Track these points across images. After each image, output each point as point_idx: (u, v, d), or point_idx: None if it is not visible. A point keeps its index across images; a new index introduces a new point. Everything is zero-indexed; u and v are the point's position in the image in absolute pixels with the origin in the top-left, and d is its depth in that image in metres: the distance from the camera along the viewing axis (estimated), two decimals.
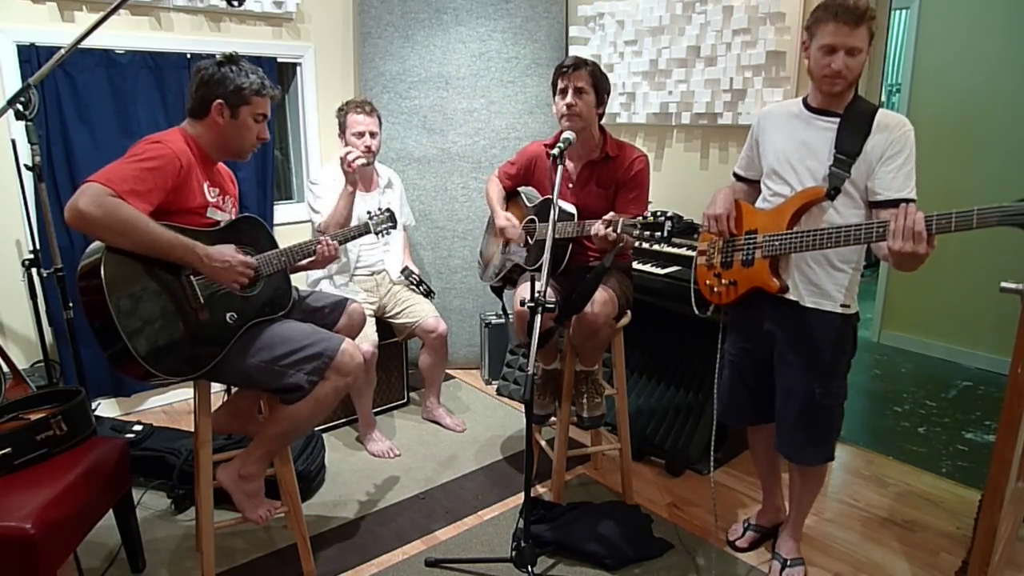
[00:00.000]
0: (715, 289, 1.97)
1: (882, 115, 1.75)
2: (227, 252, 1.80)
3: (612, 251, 2.03)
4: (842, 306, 1.83)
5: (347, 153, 2.47)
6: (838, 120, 1.78)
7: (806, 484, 2.06)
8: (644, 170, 2.27)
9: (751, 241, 1.88)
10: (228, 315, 1.83)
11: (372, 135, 2.85)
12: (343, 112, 2.86)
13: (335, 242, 2.13)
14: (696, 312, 2.05)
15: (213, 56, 1.88)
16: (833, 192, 1.75)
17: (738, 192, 2.03)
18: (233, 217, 2.00)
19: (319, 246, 2.09)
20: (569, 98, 2.16)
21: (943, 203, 1.51)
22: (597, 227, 2.00)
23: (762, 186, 1.96)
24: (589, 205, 2.28)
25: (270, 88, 1.92)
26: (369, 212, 2.32)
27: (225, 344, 1.82)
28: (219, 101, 1.85)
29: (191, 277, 1.77)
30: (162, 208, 1.73)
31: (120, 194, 1.62)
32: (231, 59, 1.87)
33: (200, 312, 1.78)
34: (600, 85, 2.20)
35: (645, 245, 2.75)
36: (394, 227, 2.35)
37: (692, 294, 2.05)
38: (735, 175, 2.11)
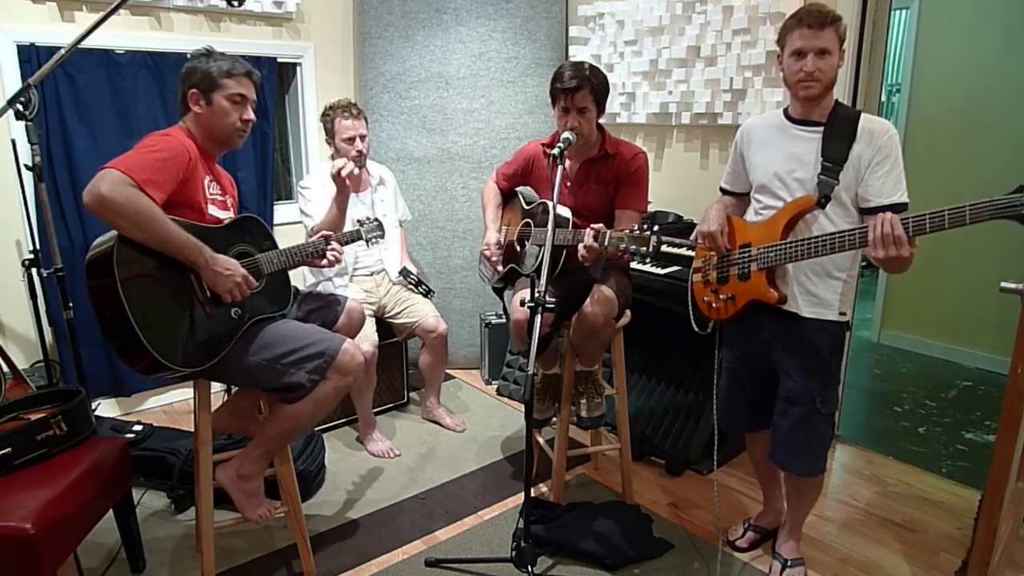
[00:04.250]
0: (713, 305, 1.97)
1: (865, 120, 1.76)
2: (233, 261, 1.82)
3: (597, 262, 2.01)
4: (840, 314, 1.84)
5: (339, 169, 2.35)
6: (821, 129, 1.79)
7: (802, 494, 2.06)
8: (644, 166, 2.27)
9: (745, 255, 1.88)
10: (233, 310, 1.84)
11: (361, 138, 2.83)
12: (329, 118, 2.84)
13: (339, 244, 2.16)
14: (696, 330, 2.04)
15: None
16: (824, 200, 1.75)
17: (728, 206, 2.03)
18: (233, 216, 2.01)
19: (330, 254, 2.11)
20: (572, 120, 2.13)
21: (943, 203, 1.51)
22: (588, 238, 1.98)
23: (752, 200, 1.96)
24: (587, 204, 2.28)
25: (243, 68, 1.92)
26: (359, 220, 2.34)
27: (230, 338, 1.83)
28: (192, 91, 1.88)
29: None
30: (169, 200, 1.75)
31: (139, 183, 1.65)
32: (206, 53, 1.90)
33: (207, 306, 1.79)
34: (601, 98, 2.17)
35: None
36: (383, 237, 2.38)
37: (691, 313, 2.05)
38: (722, 190, 2.12)
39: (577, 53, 3.52)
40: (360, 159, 2.85)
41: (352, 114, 2.82)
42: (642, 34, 3.21)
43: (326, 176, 2.76)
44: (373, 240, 2.34)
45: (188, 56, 1.92)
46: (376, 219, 2.37)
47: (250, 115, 1.95)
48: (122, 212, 1.62)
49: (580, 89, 2.11)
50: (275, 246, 2.01)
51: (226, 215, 1.96)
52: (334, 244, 2.14)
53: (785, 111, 1.89)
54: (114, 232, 1.67)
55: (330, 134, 2.86)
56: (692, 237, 2.00)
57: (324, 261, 2.13)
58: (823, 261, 1.79)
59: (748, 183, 1.98)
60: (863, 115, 1.78)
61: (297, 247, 2.05)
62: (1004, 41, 3.54)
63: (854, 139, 1.74)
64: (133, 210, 1.63)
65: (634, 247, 1.88)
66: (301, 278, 3.01)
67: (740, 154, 2.00)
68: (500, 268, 2.46)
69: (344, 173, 2.31)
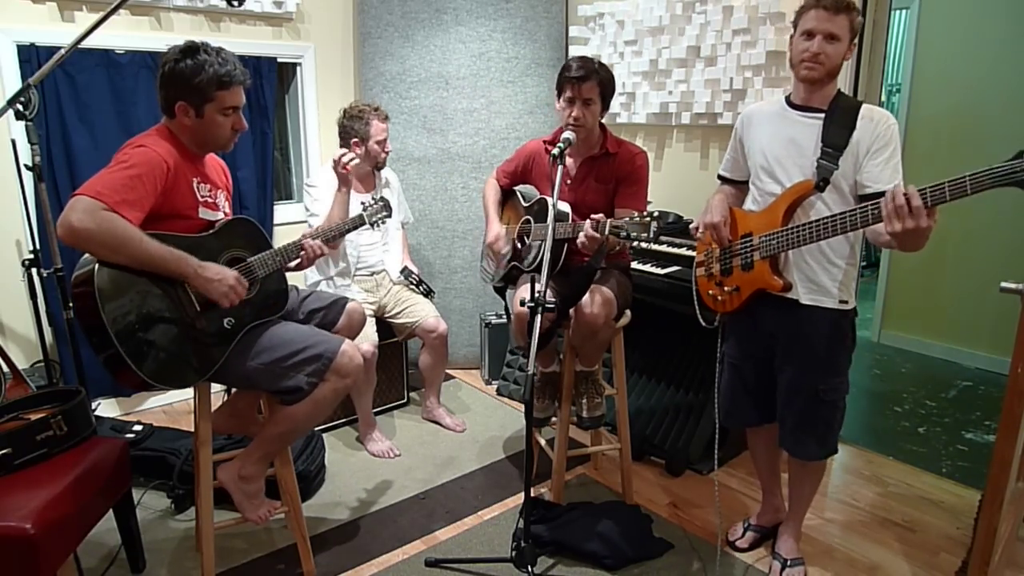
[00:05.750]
0: (719, 298, 1.98)
1: (866, 109, 1.77)
2: (223, 267, 1.77)
3: (599, 252, 2.01)
4: (840, 302, 1.83)
5: (342, 155, 2.42)
6: (821, 116, 1.80)
7: (807, 478, 2.06)
8: (644, 166, 2.27)
9: (747, 244, 1.88)
10: (225, 320, 1.80)
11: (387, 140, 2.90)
12: (363, 120, 2.78)
13: (319, 241, 2.04)
14: (703, 323, 2.04)
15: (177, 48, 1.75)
16: (822, 184, 1.76)
17: (727, 195, 2.04)
18: (227, 211, 1.96)
19: (303, 249, 2.00)
20: (576, 111, 2.14)
21: None
22: (588, 228, 1.98)
23: (751, 186, 1.96)
24: (587, 201, 2.28)
25: (236, 76, 1.78)
26: (363, 203, 2.30)
27: (224, 351, 1.80)
28: (181, 103, 1.75)
29: (186, 285, 1.74)
30: (152, 213, 1.69)
31: (112, 206, 1.58)
32: (190, 50, 1.74)
33: (198, 320, 1.75)
34: (607, 92, 2.19)
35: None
36: (389, 215, 2.32)
37: (696, 307, 2.05)
38: (720, 177, 2.12)
39: (577, 53, 3.51)
40: (384, 161, 2.91)
41: (384, 116, 2.85)
42: (642, 34, 3.21)
43: (332, 174, 2.78)
44: (379, 222, 2.27)
45: (173, 50, 1.75)
46: (382, 198, 2.31)
47: (243, 124, 1.87)
48: (98, 240, 1.56)
49: (587, 79, 2.12)
50: (269, 247, 1.95)
51: (217, 216, 1.89)
52: (305, 241, 2.00)
53: (787, 98, 1.90)
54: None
55: (362, 135, 2.80)
56: (693, 226, 1.99)
57: (297, 260, 2.00)
58: (822, 247, 1.79)
59: (746, 170, 1.99)
60: (864, 105, 1.79)
61: (290, 244, 1.99)
62: (1003, 41, 3.54)
63: (854, 127, 1.75)
64: (110, 236, 1.57)
65: (635, 234, 1.87)
66: (303, 277, 3.01)
67: (740, 140, 2.00)
68: (505, 262, 2.45)
69: (345, 160, 2.33)
